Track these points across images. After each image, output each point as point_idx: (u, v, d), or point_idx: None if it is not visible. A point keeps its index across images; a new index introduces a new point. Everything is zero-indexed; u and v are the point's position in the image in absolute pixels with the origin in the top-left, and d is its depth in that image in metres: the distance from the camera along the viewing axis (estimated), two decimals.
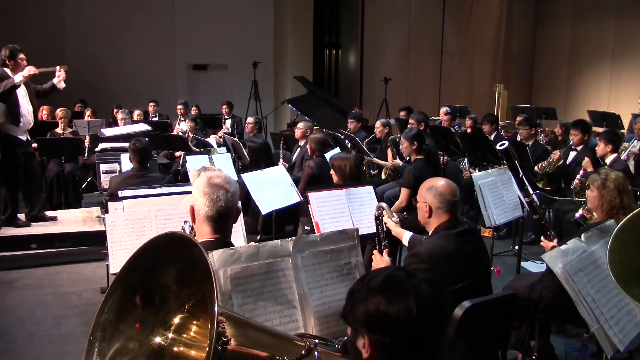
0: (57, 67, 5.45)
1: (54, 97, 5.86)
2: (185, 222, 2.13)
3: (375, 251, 2.89)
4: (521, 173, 3.41)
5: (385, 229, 2.92)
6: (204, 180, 2.06)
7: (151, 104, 9.96)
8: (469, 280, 2.59)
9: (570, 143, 6.09)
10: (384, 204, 2.99)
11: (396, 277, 1.36)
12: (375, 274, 1.39)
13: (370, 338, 1.32)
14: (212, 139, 8.08)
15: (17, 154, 5.30)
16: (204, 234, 2.03)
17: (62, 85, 5.49)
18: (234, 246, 1.90)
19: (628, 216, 2.09)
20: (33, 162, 5.64)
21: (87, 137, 7.19)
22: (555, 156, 5.90)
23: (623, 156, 6.08)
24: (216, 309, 1.21)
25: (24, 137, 5.36)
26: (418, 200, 2.76)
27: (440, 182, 2.73)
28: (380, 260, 2.82)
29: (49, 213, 5.83)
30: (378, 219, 2.92)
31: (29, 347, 3.63)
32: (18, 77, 5.10)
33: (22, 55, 5.23)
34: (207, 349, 1.20)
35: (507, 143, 3.38)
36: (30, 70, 5.13)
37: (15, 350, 3.61)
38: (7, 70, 5.16)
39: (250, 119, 7.68)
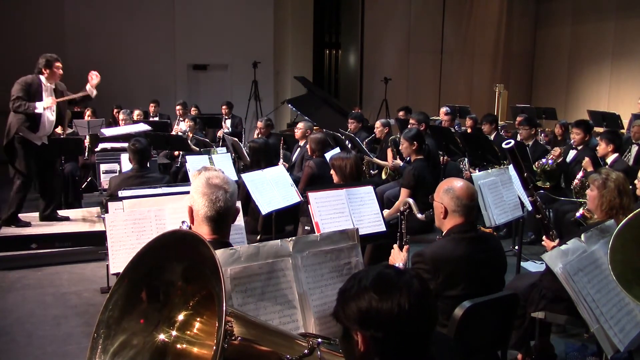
0: (88, 88, 5.62)
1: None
2: (182, 222, 2.11)
3: (395, 245, 2.89)
4: (525, 172, 3.41)
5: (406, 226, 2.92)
6: (203, 180, 2.05)
7: (152, 104, 9.97)
8: (475, 288, 2.54)
9: (571, 142, 6.09)
10: (410, 200, 2.99)
11: (387, 274, 1.38)
12: (365, 273, 1.41)
13: (364, 335, 1.34)
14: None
15: (29, 156, 5.37)
16: (202, 234, 2.02)
17: (93, 92, 5.63)
18: (232, 246, 1.90)
19: (630, 215, 2.09)
20: (49, 163, 5.73)
21: (87, 137, 7.19)
22: (555, 153, 5.90)
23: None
24: (224, 307, 1.21)
25: (38, 142, 5.43)
26: (435, 199, 2.72)
27: (458, 185, 2.66)
28: (398, 254, 2.82)
29: (61, 212, 5.88)
30: (403, 214, 2.93)
31: (29, 347, 3.63)
32: (40, 108, 5.25)
33: (58, 64, 5.37)
34: (215, 347, 1.21)
35: (512, 141, 3.38)
36: (48, 102, 5.29)
37: (15, 350, 3.61)
38: (42, 78, 5.30)
39: (260, 123, 7.65)
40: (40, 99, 5.29)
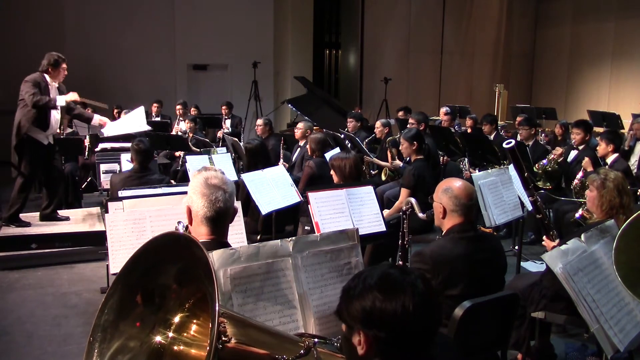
0: (100, 104, 5.79)
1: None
2: (178, 222, 2.09)
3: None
4: (526, 172, 3.41)
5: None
6: (201, 180, 2.04)
7: (155, 104, 9.98)
8: (474, 288, 2.53)
9: (572, 142, 6.09)
10: (412, 200, 2.99)
11: (392, 274, 1.39)
12: (370, 272, 1.41)
13: (366, 334, 1.34)
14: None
15: (36, 156, 5.37)
16: (200, 234, 2.02)
17: (97, 129, 5.88)
18: (230, 246, 1.89)
19: (633, 216, 2.08)
20: (55, 163, 5.78)
21: (87, 137, 7.19)
22: (557, 152, 5.90)
23: (633, 160, 6.15)
24: (217, 308, 1.21)
25: (45, 142, 5.44)
26: (434, 199, 2.72)
27: (457, 184, 2.66)
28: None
29: (61, 212, 5.89)
30: (405, 213, 2.93)
31: (29, 347, 3.63)
32: (61, 101, 5.28)
33: (64, 65, 5.39)
34: (208, 348, 1.20)
35: (513, 141, 3.38)
36: (73, 96, 5.36)
37: (15, 350, 3.61)
38: (47, 77, 5.30)
39: (259, 121, 7.64)
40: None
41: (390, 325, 1.32)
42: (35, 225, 5.54)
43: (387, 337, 1.32)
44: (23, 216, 5.59)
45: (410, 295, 1.32)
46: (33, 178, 5.51)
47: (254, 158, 5.48)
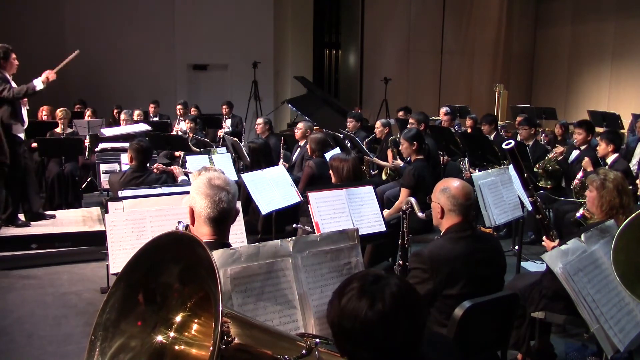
0: (70, 57, 5.52)
1: (54, 97, 5.87)
2: (179, 222, 2.09)
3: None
4: (526, 173, 3.41)
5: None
6: (204, 181, 2.04)
7: (152, 105, 9.98)
8: (473, 287, 2.53)
9: (574, 142, 6.09)
10: (412, 199, 2.99)
11: (354, 288, 1.38)
12: (345, 283, 1.43)
13: (338, 345, 1.39)
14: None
15: (19, 152, 5.34)
16: (202, 234, 2.02)
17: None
18: (231, 246, 1.89)
19: (632, 216, 2.09)
20: (30, 161, 5.68)
21: (87, 137, 7.19)
22: (558, 151, 5.91)
23: (634, 161, 6.15)
24: (221, 308, 1.21)
25: (23, 136, 5.41)
26: (432, 199, 2.72)
27: (454, 184, 2.66)
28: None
29: (61, 212, 5.85)
30: (405, 213, 2.93)
31: (29, 347, 3.63)
32: (39, 84, 5.17)
33: (14, 55, 5.28)
34: (212, 348, 1.20)
35: (513, 142, 3.38)
36: (49, 75, 5.20)
37: (15, 350, 3.61)
38: (4, 72, 5.19)
39: (259, 120, 7.62)
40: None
41: (352, 339, 1.34)
42: (35, 225, 5.53)
43: (352, 350, 1.35)
44: (22, 216, 5.59)
45: (366, 308, 1.32)
46: (18, 175, 5.42)
47: (256, 156, 5.47)
